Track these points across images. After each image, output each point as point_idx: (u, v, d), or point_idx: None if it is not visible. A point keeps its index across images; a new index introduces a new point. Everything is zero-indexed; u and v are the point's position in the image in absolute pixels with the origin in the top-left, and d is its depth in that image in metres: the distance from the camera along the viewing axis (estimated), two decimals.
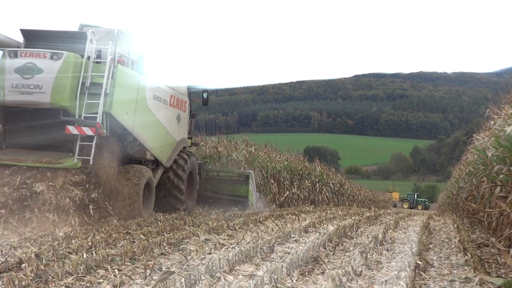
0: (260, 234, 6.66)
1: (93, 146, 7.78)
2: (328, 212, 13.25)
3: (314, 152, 61.74)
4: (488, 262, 5.36)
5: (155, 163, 10.03)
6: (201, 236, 6.33)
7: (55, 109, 7.96)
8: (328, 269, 4.51)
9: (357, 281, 4.04)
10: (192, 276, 3.82)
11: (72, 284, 3.66)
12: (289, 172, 19.55)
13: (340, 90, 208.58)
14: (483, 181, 8.17)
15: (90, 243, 5.23)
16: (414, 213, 18.82)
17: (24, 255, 4.42)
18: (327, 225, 8.54)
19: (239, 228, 7.53)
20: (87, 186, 7.81)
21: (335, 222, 9.45)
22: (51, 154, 8.09)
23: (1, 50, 8.13)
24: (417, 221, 11.64)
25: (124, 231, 6.40)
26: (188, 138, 11.91)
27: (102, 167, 8.14)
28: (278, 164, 18.94)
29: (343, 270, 4.21)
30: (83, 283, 3.71)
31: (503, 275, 4.64)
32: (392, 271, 4.54)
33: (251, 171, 14.22)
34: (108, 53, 8.04)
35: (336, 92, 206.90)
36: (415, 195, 57.25)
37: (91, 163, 7.80)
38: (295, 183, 19.70)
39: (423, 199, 57.58)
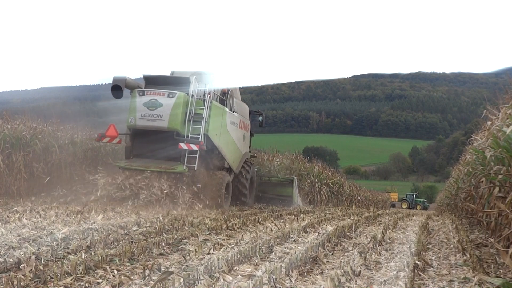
0: (259, 234, 6.66)
1: (197, 157, 11.19)
2: (327, 212, 13.25)
3: (313, 152, 61.79)
4: (487, 262, 5.37)
5: (229, 170, 13.07)
6: (200, 236, 6.32)
7: (170, 132, 11.41)
8: (327, 269, 4.51)
9: (356, 281, 4.04)
10: (191, 276, 3.82)
11: (71, 284, 3.65)
12: (289, 173, 19.64)
13: (339, 90, 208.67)
14: (482, 181, 8.16)
15: (88, 243, 5.22)
16: (413, 213, 18.82)
17: (22, 255, 4.41)
18: (326, 225, 8.54)
19: (238, 228, 7.52)
20: (190, 185, 11.09)
21: (334, 222, 9.45)
22: (166, 162, 11.46)
23: (130, 89, 11.71)
24: (416, 221, 11.65)
25: (124, 232, 6.39)
26: (249, 151, 15.16)
27: (201, 172, 11.43)
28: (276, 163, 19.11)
29: (342, 270, 4.21)
30: (82, 283, 3.70)
31: (501, 275, 4.64)
32: (391, 271, 4.55)
33: (295, 177, 17.39)
34: (206, 92, 11.63)
35: (335, 92, 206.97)
36: (414, 195, 57.21)
37: (195, 169, 11.19)
38: None
39: (422, 199, 57.54)
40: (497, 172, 6.51)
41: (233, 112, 13.40)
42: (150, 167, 11.15)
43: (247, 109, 15.09)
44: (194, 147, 11.11)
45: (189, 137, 11.31)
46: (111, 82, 11.76)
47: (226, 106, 12.88)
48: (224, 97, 12.92)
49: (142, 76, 12.42)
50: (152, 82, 12.09)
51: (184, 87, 11.69)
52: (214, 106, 11.85)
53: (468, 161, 11.66)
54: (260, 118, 16.01)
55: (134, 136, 12.01)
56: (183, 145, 11.15)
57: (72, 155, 13.39)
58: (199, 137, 11.30)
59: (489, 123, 8.60)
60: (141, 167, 11.22)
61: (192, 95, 11.56)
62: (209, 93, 11.65)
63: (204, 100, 11.63)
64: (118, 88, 11.50)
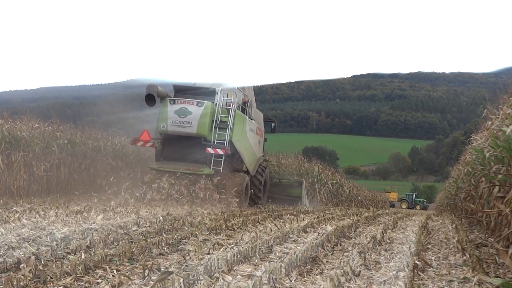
0: (258, 234, 6.66)
1: (222, 161, 12.27)
2: (327, 212, 13.25)
3: (313, 152, 61.77)
4: (486, 262, 5.37)
5: (246, 173, 13.91)
6: (199, 236, 6.32)
7: (198, 137, 12.51)
8: (327, 269, 4.51)
9: (355, 281, 4.04)
10: (190, 276, 3.81)
11: (70, 284, 3.65)
12: (292, 172, 19.75)
13: (339, 90, 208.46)
14: (482, 181, 8.16)
15: (88, 243, 5.22)
16: (413, 213, 18.83)
17: (22, 255, 4.40)
18: (326, 225, 8.54)
19: (237, 228, 7.52)
20: (215, 185, 12.26)
21: (333, 222, 9.45)
22: (193, 165, 12.51)
23: (161, 98, 12.64)
24: (415, 221, 11.65)
25: (123, 232, 6.39)
26: (262, 155, 16.15)
27: (224, 174, 12.51)
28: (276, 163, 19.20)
29: (342, 270, 4.21)
30: (81, 283, 3.70)
31: (501, 275, 4.64)
32: (391, 271, 4.55)
33: (303, 179, 18.67)
34: (232, 102, 12.81)
35: (334, 92, 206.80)
36: (414, 195, 57.21)
37: (221, 171, 12.28)
38: None
39: (421, 199, 57.52)
40: (497, 172, 6.51)
41: (251, 119, 14.59)
42: (180, 169, 12.28)
43: (262, 117, 16.25)
44: (220, 151, 12.22)
45: (215, 143, 12.47)
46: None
47: (246, 114, 14.03)
48: (244, 106, 14.06)
49: (172, 85, 13.65)
50: (180, 91, 13.32)
51: (210, 97, 12.87)
52: (237, 115, 13.08)
53: (468, 161, 11.67)
54: (273, 125, 17.25)
55: (165, 140, 13.07)
56: (210, 150, 12.21)
57: (70, 154, 13.83)
58: (224, 143, 12.47)
59: (489, 122, 8.60)
60: (171, 169, 12.33)
61: (217, 104, 12.76)
62: (233, 102, 12.85)
63: (228, 109, 12.81)
64: (151, 97, 12.43)
